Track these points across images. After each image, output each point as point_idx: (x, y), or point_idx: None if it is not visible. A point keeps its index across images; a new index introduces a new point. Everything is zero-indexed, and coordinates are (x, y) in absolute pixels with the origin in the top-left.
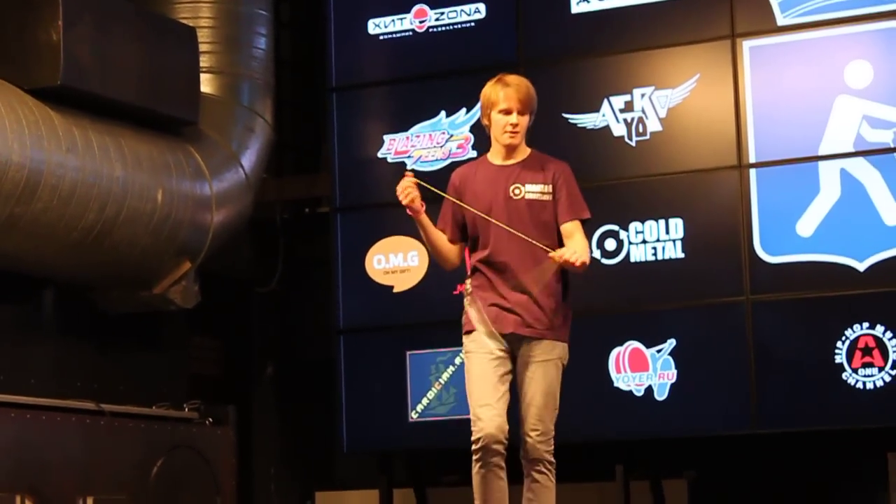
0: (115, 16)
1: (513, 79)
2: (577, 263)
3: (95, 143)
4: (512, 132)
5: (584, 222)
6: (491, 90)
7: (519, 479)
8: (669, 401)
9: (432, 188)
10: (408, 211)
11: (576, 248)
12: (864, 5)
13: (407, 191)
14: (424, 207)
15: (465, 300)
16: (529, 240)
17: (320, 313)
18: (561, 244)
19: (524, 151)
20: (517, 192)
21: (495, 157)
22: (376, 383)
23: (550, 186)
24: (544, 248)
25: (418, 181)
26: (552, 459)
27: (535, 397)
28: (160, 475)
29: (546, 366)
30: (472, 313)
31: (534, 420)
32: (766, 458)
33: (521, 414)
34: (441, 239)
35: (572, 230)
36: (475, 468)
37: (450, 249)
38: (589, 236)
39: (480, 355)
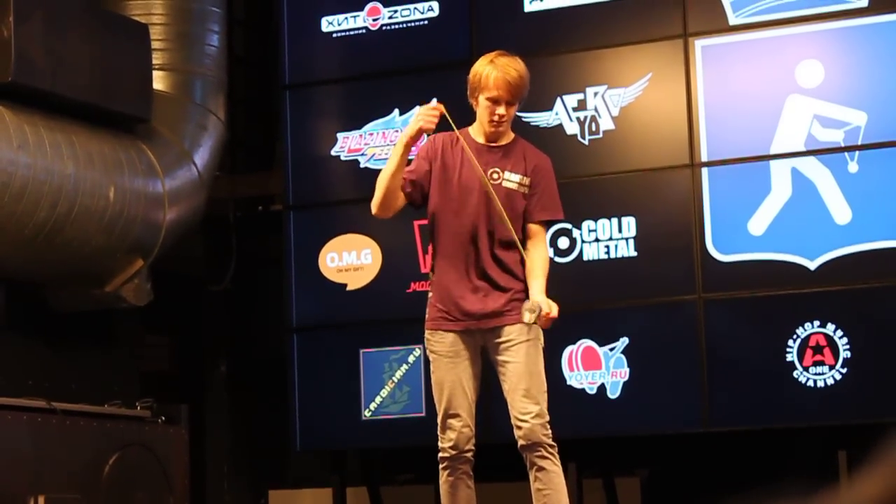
0: (66, 13)
1: (505, 62)
2: (546, 320)
3: (47, 141)
4: (497, 122)
5: (553, 223)
6: (482, 71)
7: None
8: (622, 399)
9: (455, 129)
10: (409, 130)
11: (547, 299)
12: (815, 5)
13: (430, 118)
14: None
15: (429, 291)
16: (507, 224)
17: (273, 311)
18: (524, 236)
19: (508, 136)
20: (495, 176)
21: (478, 134)
22: (329, 381)
23: (528, 179)
24: (518, 245)
25: (447, 115)
26: (552, 443)
27: (521, 380)
28: (112, 474)
29: (525, 346)
30: (435, 310)
31: (525, 404)
32: (718, 457)
33: (509, 402)
34: (398, 182)
35: (536, 233)
36: (443, 476)
37: (398, 196)
38: None
39: (447, 359)
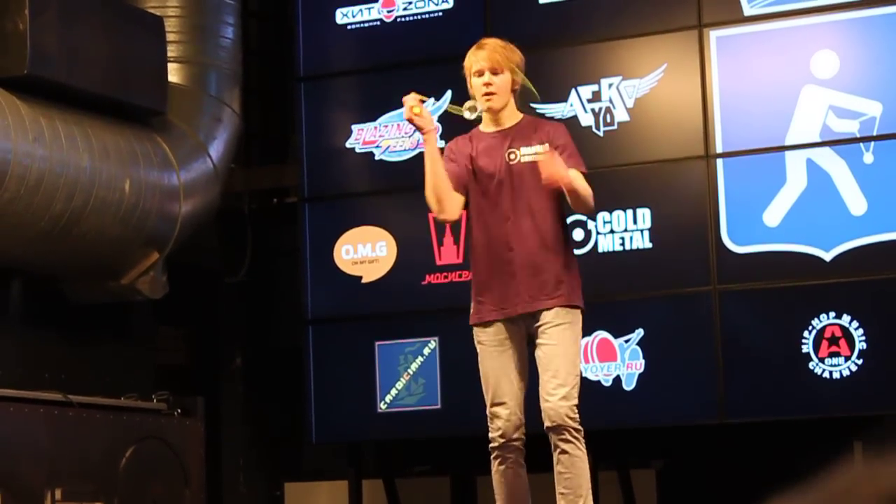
0: (82, 5)
1: (487, 40)
2: (546, 175)
3: (63, 133)
4: (487, 93)
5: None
6: (468, 56)
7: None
8: (637, 391)
9: (459, 109)
10: (415, 122)
11: (561, 165)
12: None
13: (415, 114)
14: (436, 129)
15: (472, 289)
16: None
17: (288, 304)
18: (565, 204)
19: (515, 116)
20: (513, 156)
21: (487, 125)
22: (345, 374)
23: (546, 146)
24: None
25: (424, 100)
26: (578, 426)
27: (551, 361)
28: (129, 467)
29: (560, 329)
30: (476, 303)
31: (553, 383)
32: (734, 448)
33: (540, 383)
34: (447, 178)
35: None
36: (494, 466)
37: (453, 195)
38: None
39: (492, 348)
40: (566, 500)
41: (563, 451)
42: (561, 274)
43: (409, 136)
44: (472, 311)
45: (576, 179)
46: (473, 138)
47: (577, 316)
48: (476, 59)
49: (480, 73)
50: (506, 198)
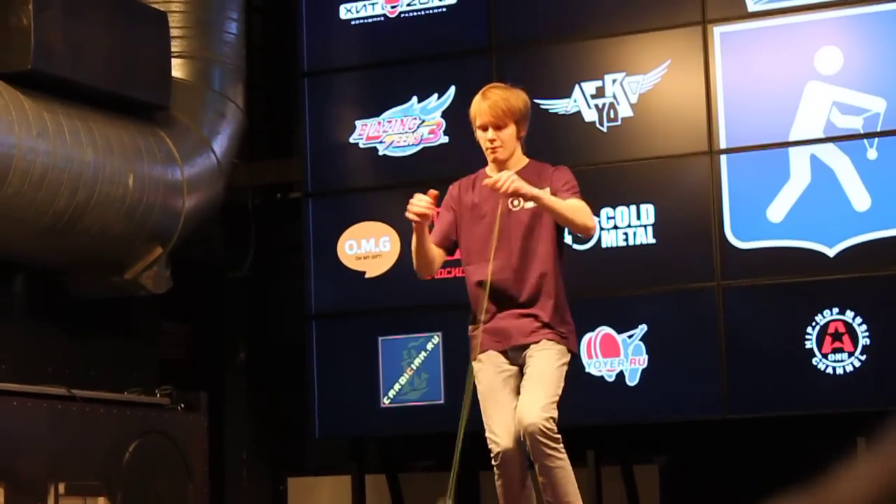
0: (85, 0)
1: (492, 92)
2: (499, 186)
3: (66, 128)
4: (491, 149)
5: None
6: (473, 104)
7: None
8: (641, 386)
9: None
10: (412, 216)
11: (518, 181)
12: None
13: (420, 207)
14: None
15: (469, 330)
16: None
17: (292, 299)
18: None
19: (521, 161)
20: (516, 203)
21: (492, 169)
22: (348, 369)
23: (549, 189)
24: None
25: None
26: (556, 436)
27: (529, 379)
28: (132, 461)
29: (545, 353)
30: (472, 339)
31: (531, 398)
32: (737, 444)
33: (520, 398)
34: (432, 247)
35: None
36: (497, 481)
37: (435, 255)
38: None
39: (488, 373)
40: None
41: (544, 465)
42: (553, 317)
43: (413, 132)
44: (472, 345)
45: (551, 199)
46: (477, 181)
47: (563, 350)
48: (480, 113)
49: (484, 129)
50: (504, 241)
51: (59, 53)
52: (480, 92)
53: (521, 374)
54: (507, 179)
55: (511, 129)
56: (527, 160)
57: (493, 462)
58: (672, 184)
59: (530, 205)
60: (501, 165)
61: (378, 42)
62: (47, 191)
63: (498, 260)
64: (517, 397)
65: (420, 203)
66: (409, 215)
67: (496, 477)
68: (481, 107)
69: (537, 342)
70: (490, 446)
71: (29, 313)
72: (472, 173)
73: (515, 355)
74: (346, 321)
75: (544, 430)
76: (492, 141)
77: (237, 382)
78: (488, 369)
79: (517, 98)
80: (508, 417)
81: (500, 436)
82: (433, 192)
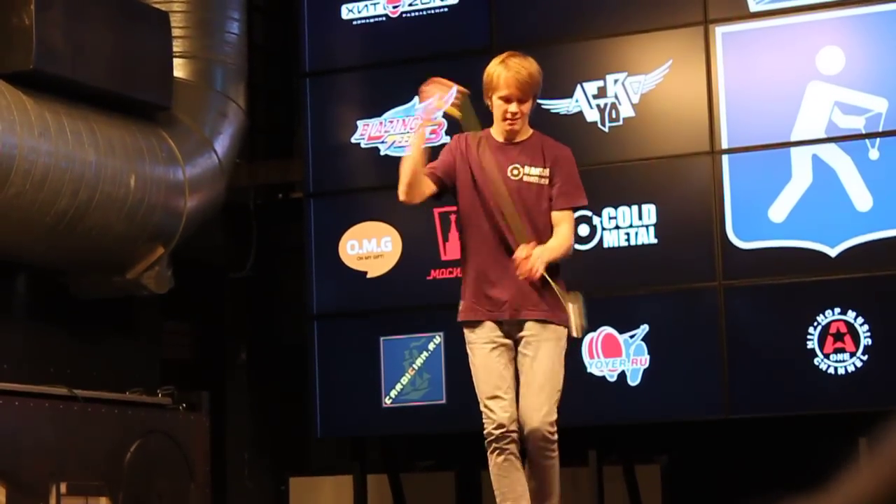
0: (87, 0)
1: (516, 62)
2: (523, 271)
3: (68, 128)
4: (511, 120)
5: (576, 209)
6: (494, 71)
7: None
8: (642, 386)
9: (471, 120)
10: (424, 112)
11: (541, 251)
12: None
13: (442, 91)
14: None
15: (462, 287)
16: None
17: (293, 299)
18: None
19: (526, 132)
20: (515, 172)
21: (498, 134)
22: (350, 369)
23: (548, 171)
24: (530, 235)
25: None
26: (555, 439)
27: (535, 377)
28: (134, 461)
29: (546, 345)
30: (467, 304)
31: (534, 400)
32: (739, 444)
33: (522, 394)
34: (422, 169)
35: (559, 220)
36: (492, 460)
37: (424, 181)
38: None
39: (482, 346)
40: (537, 498)
41: (538, 465)
42: (550, 288)
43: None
44: (461, 308)
45: (553, 252)
46: (481, 143)
47: (562, 332)
48: (506, 84)
49: (508, 100)
50: (498, 209)
51: (60, 53)
52: (500, 60)
53: (515, 348)
54: (535, 266)
55: (530, 103)
56: (531, 131)
57: (488, 439)
58: (674, 184)
59: (530, 178)
60: (513, 136)
61: (380, 42)
62: (49, 191)
63: (499, 223)
64: (512, 370)
65: (443, 86)
66: (426, 89)
67: (492, 455)
68: (506, 77)
69: (535, 321)
70: (486, 422)
71: (31, 313)
72: None
73: (511, 328)
74: (348, 321)
75: (547, 435)
76: (514, 114)
77: (239, 382)
78: (483, 343)
79: (537, 70)
80: (507, 395)
81: (498, 413)
82: (463, 89)
